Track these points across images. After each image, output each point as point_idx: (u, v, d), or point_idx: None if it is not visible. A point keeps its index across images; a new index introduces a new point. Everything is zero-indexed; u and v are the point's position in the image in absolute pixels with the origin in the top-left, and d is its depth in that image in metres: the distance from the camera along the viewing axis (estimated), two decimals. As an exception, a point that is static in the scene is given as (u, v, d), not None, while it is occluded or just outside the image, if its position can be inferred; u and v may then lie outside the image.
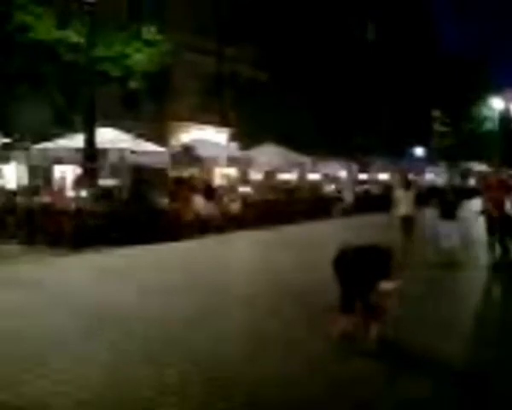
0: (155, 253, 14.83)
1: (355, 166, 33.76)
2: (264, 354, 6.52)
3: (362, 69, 35.32)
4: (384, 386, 5.60)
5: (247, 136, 29.54)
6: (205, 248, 16.21)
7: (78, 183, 17.29)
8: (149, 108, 26.11)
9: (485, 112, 58.43)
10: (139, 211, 16.69)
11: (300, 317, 8.05)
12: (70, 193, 17.42)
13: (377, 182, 36.67)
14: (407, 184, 13.04)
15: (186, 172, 24.93)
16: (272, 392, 5.42)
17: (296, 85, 29.12)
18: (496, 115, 58.25)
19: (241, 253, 15.69)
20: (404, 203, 12.39)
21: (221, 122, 31.32)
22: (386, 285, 6.43)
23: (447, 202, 12.45)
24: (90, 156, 16.28)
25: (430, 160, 47.06)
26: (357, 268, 6.59)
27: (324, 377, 5.81)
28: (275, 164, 25.10)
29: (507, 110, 62.21)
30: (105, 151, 16.87)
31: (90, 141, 16.14)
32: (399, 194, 12.68)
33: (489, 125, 58.57)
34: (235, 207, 20.67)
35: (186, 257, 14.42)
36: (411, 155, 46.65)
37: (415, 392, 5.43)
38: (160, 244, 15.77)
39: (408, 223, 12.40)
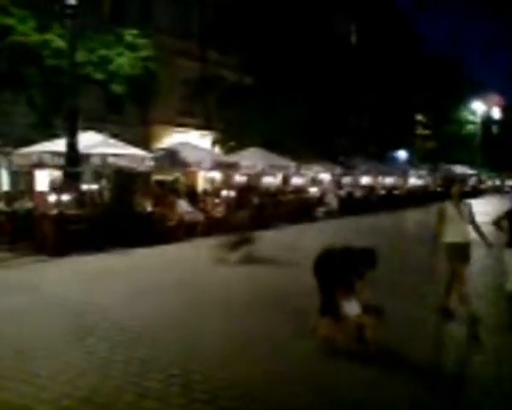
0: (139, 257, 14.79)
1: (338, 170, 33.93)
2: (248, 356, 6.56)
3: (345, 72, 35.51)
4: (363, 387, 5.68)
5: (231, 140, 29.55)
6: (189, 252, 16.18)
7: (58, 189, 17.23)
8: (133, 112, 26.03)
9: (467, 115, 59.12)
10: (122, 215, 16.64)
11: (283, 318, 8.11)
12: (52, 198, 17.31)
13: (360, 185, 36.92)
14: (460, 196, 8.66)
15: (170, 176, 24.93)
16: (256, 396, 5.47)
17: (280, 89, 29.17)
18: (477, 118, 59.07)
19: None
20: (457, 225, 8.26)
21: (205, 126, 31.31)
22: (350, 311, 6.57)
23: None
24: (73, 160, 16.19)
25: (413, 163, 47.40)
26: (335, 269, 6.67)
27: (305, 379, 5.88)
28: (259, 168, 25.16)
29: (488, 113, 63.15)
30: (88, 155, 16.80)
31: (73, 145, 16.06)
32: (450, 210, 8.36)
33: (471, 128, 59.23)
34: (219, 211, 20.68)
35: (170, 261, 14.39)
36: (394, 158, 46.94)
37: (399, 394, 5.51)
38: (144, 248, 15.74)
39: (464, 253, 8.29)
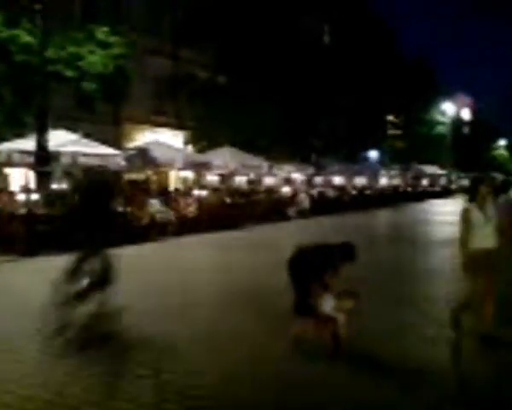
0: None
1: (311, 170, 34.09)
2: (219, 355, 6.53)
3: (318, 72, 35.69)
4: (333, 389, 5.69)
5: (203, 139, 29.48)
6: (160, 252, 16.08)
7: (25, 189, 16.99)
8: (105, 111, 25.80)
9: (437, 116, 59.89)
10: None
11: (257, 318, 8.09)
12: (21, 196, 17.03)
13: (332, 185, 37.14)
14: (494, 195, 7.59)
15: (141, 175, 24.76)
16: (228, 396, 5.45)
17: (253, 88, 29.20)
18: (447, 120, 59.89)
19: (198, 256, 15.64)
20: (483, 229, 7.17)
21: (177, 125, 31.18)
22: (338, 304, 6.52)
23: None
24: (43, 159, 15.97)
25: (384, 163, 47.85)
26: (311, 267, 6.65)
27: (274, 379, 5.86)
28: (231, 167, 25.15)
29: (458, 114, 64.10)
30: (58, 154, 16.59)
31: (42, 144, 15.84)
32: (475, 213, 7.23)
33: (441, 129, 60.02)
34: (191, 210, 20.60)
35: (141, 260, 14.26)
36: (365, 158, 47.35)
37: (367, 396, 5.54)
38: (115, 248, 15.52)
39: (491, 261, 7.15)
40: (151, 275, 12.05)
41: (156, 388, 5.57)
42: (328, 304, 6.53)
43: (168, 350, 6.72)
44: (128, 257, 14.74)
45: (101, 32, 19.77)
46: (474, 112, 71.84)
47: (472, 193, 7.44)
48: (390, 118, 55.49)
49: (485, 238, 7.14)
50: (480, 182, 7.48)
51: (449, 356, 6.73)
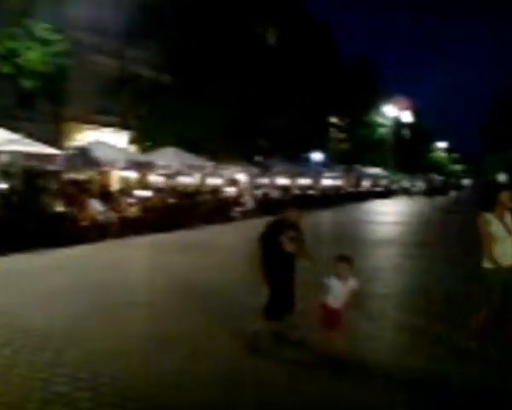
0: (49, 258, 14.28)
1: (255, 170, 34.19)
2: (164, 356, 6.47)
3: (263, 72, 35.87)
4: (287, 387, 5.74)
5: (147, 139, 29.16)
6: (100, 253, 15.79)
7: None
8: (45, 109, 25.18)
9: (379, 119, 61.26)
10: (31, 215, 16.02)
11: (198, 318, 8.07)
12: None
13: (276, 186, 37.36)
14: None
15: (83, 175, 24.30)
16: (172, 395, 5.42)
17: (198, 88, 29.10)
18: (389, 122, 61.33)
19: (139, 257, 15.44)
20: (503, 244, 6.37)
21: (121, 124, 30.74)
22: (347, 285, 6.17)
23: None
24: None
25: (327, 164, 48.48)
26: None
27: (228, 380, 5.87)
28: (175, 168, 24.95)
29: (399, 117, 65.68)
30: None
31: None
32: (494, 225, 6.44)
33: (382, 132, 61.40)
34: (134, 211, 20.35)
35: (80, 262, 13.97)
36: (309, 159, 47.83)
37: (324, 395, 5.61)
38: (54, 250, 15.23)
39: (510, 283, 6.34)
40: (87, 275, 11.83)
41: (94, 391, 5.48)
42: (337, 291, 6.13)
43: (108, 352, 6.62)
44: (66, 258, 14.49)
45: (41, 29, 19.29)
46: (415, 114, 73.71)
47: (487, 201, 6.64)
48: (334, 120, 56.27)
49: (508, 254, 6.36)
50: (496, 190, 6.60)
51: (389, 353, 6.89)
